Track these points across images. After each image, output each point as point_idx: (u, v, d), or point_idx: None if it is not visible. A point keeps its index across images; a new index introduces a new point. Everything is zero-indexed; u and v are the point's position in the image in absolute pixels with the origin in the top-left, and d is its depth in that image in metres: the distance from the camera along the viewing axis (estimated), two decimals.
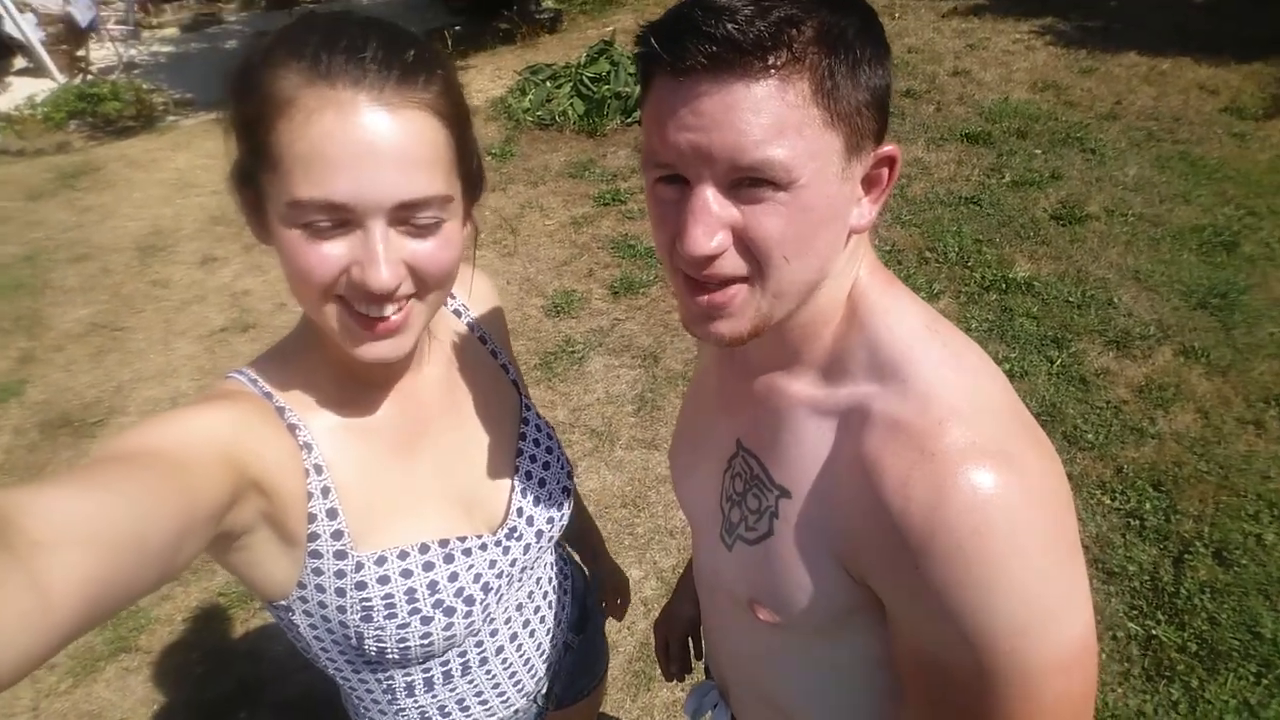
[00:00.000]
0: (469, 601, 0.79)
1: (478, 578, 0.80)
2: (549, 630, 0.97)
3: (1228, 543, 2.15)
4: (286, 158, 0.57)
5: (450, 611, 0.77)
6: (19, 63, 7.23)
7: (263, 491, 0.64)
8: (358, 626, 0.73)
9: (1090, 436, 2.52)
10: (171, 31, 8.51)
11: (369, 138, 0.57)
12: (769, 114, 0.50)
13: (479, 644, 0.86)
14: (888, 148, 0.58)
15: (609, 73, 5.32)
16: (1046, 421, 2.60)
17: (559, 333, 3.40)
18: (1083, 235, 3.53)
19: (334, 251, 0.60)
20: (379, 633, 0.74)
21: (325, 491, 0.70)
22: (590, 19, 7.56)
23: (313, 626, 0.75)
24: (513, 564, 0.85)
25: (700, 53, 0.49)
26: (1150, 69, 5.03)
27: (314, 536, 0.70)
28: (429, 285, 0.65)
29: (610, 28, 6.62)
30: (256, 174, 0.61)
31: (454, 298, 0.91)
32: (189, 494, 0.54)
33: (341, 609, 0.73)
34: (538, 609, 0.94)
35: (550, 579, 0.97)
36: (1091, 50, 5.40)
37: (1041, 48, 5.59)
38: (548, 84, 5.49)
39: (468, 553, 0.80)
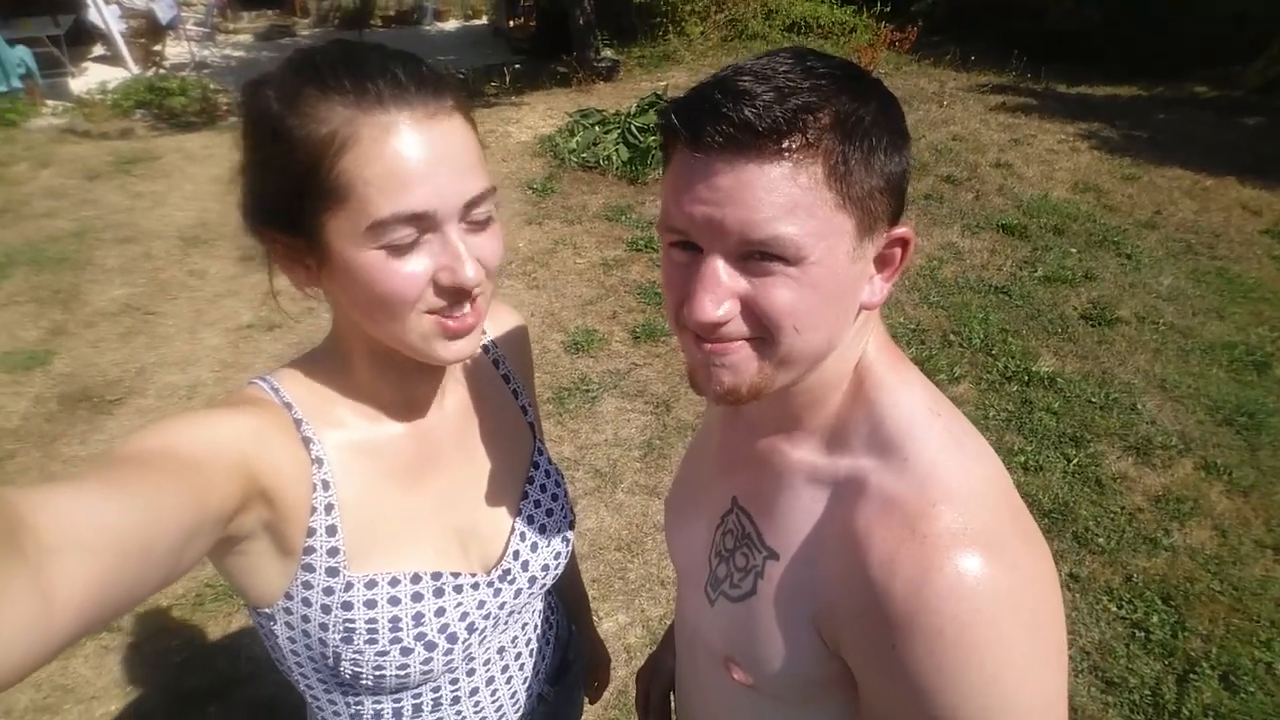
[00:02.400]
0: (451, 639, 0.77)
1: (464, 616, 0.79)
2: (525, 679, 0.94)
3: (1236, 667, 2.07)
4: (359, 185, 0.59)
5: (431, 646, 0.76)
6: (97, 50, 7.55)
7: (269, 501, 0.64)
8: (336, 647, 0.72)
9: (1101, 540, 2.46)
10: (245, 37, 8.87)
11: (431, 148, 0.60)
12: (781, 194, 0.51)
13: (454, 681, 0.84)
14: (901, 229, 0.59)
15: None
16: (1058, 520, 2.55)
17: (575, 370, 3.42)
18: (1111, 338, 3.51)
19: (417, 265, 0.62)
20: (357, 656, 0.73)
21: (329, 508, 0.70)
22: (645, 72, 7.78)
23: (291, 639, 0.74)
24: (501, 606, 0.84)
25: (718, 133, 0.51)
26: (1193, 183, 5.07)
27: (310, 550, 0.70)
28: (490, 275, 0.68)
29: (664, 83, 6.80)
30: (310, 215, 0.62)
31: (484, 333, 0.91)
32: (200, 499, 0.54)
33: (324, 626, 0.72)
34: (518, 655, 0.92)
35: (535, 625, 0.95)
36: (1136, 158, 5.46)
37: (1086, 150, 5.66)
38: (596, 128, 5.63)
39: (458, 589, 0.79)
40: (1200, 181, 5.08)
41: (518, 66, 7.82)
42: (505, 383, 0.92)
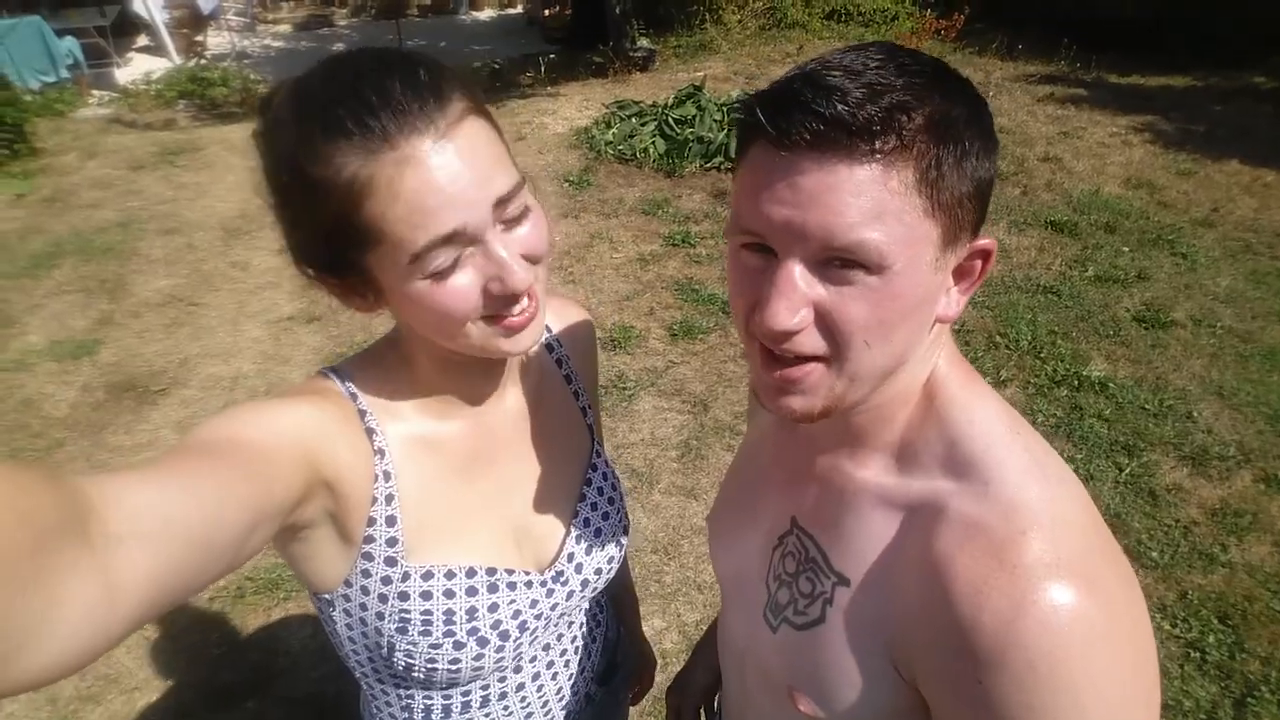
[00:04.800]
0: (504, 636, 0.78)
1: (516, 614, 0.79)
2: (571, 676, 0.95)
3: None
4: (388, 226, 0.59)
5: (484, 642, 0.76)
6: (142, 40, 7.68)
7: (332, 490, 0.65)
8: (391, 637, 0.74)
9: (1155, 555, 2.38)
10: (284, 28, 8.96)
11: (450, 167, 0.59)
12: (869, 198, 0.48)
13: (502, 678, 0.85)
14: (984, 241, 0.56)
15: (695, 116, 5.40)
16: None
17: (612, 367, 3.40)
18: (1165, 341, 3.39)
19: (465, 281, 0.62)
20: (410, 648, 0.74)
21: (389, 498, 0.71)
22: (682, 62, 7.70)
23: (349, 626, 0.76)
24: (553, 607, 0.84)
25: (806, 129, 0.48)
26: (1253, 179, 4.88)
27: (370, 539, 0.71)
28: (539, 263, 0.68)
29: (701, 73, 6.72)
30: (354, 257, 0.63)
31: (548, 330, 0.91)
32: (265, 490, 0.55)
33: (380, 615, 0.73)
34: (564, 653, 0.92)
35: (583, 624, 0.96)
36: (1192, 153, 5.26)
37: (1139, 144, 5.48)
38: (633, 120, 5.59)
39: (512, 586, 0.79)
40: (1260, 177, 4.88)
41: (552, 57, 7.79)
42: (567, 383, 0.91)
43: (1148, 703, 0.50)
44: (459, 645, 0.75)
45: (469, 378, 0.77)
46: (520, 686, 0.87)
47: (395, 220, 0.59)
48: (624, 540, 0.92)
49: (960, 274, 0.56)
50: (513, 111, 6.50)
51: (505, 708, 0.87)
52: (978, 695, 0.50)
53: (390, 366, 0.76)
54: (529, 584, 0.81)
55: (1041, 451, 0.57)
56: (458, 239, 0.60)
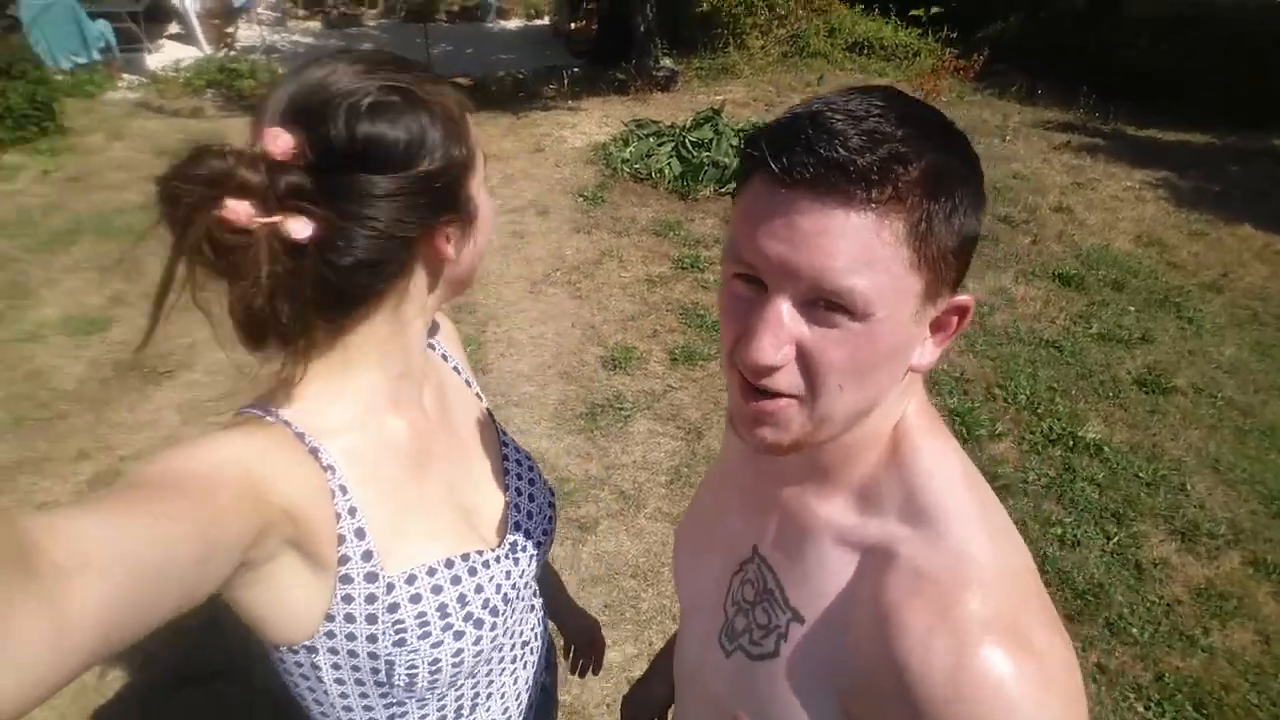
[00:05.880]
0: (494, 613, 0.80)
1: (499, 589, 0.82)
2: (535, 666, 0.98)
3: None
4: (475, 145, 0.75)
5: (479, 624, 0.78)
6: (173, 28, 7.76)
7: (292, 518, 0.64)
8: (389, 654, 0.73)
9: (1135, 631, 2.37)
10: (314, 24, 9.03)
11: None
12: (861, 245, 0.49)
13: (488, 674, 0.87)
14: (963, 297, 0.57)
15: (712, 140, 5.42)
16: (1091, 602, 2.46)
17: (611, 387, 3.41)
18: (1165, 408, 3.38)
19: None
20: (412, 656, 0.74)
21: (352, 511, 0.71)
22: (704, 84, 7.74)
23: (336, 666, 0.74)
24: (521, 575, 0.88)
25: (808, 169, 0.49)
26: (1265, 245, 4.87)
27: (344, 560, 0.70)
28: None
29: (721, 97, 6.75)
30: (465, 186, 0.73)
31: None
32: (213, 521, 0.54)
33: (373, 637, 0.72)
34: (527, 643, 0.95)
35: (535, 609, 0.99)
36: (1205, 213, 5.26)
37: (1152, 200, 5.48)
38: (651, 139, 5.62)
39: (486, 565, 0.82)
40: (1272, 244, 4.88)
41: (576, 70, 7.83)
42: (458, 374, 0.97)
43: None
44: (459, 635, 0.76)
45: (397, 381, 0.77)
46: (502, 685, 0.90)
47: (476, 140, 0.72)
48: (553, 501, 0.98)
49: (936, 326, 0.58)
50: (533, 123, 6.54)
51: (488, 710, 0.89)
52: None
53: (311, 385, 0.72)
54: (498, 559, 0.84)
55: (992, 506, 0.59)
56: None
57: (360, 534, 0.71)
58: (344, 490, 0.70)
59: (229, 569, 0.56)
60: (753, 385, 0.56)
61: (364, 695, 0.77)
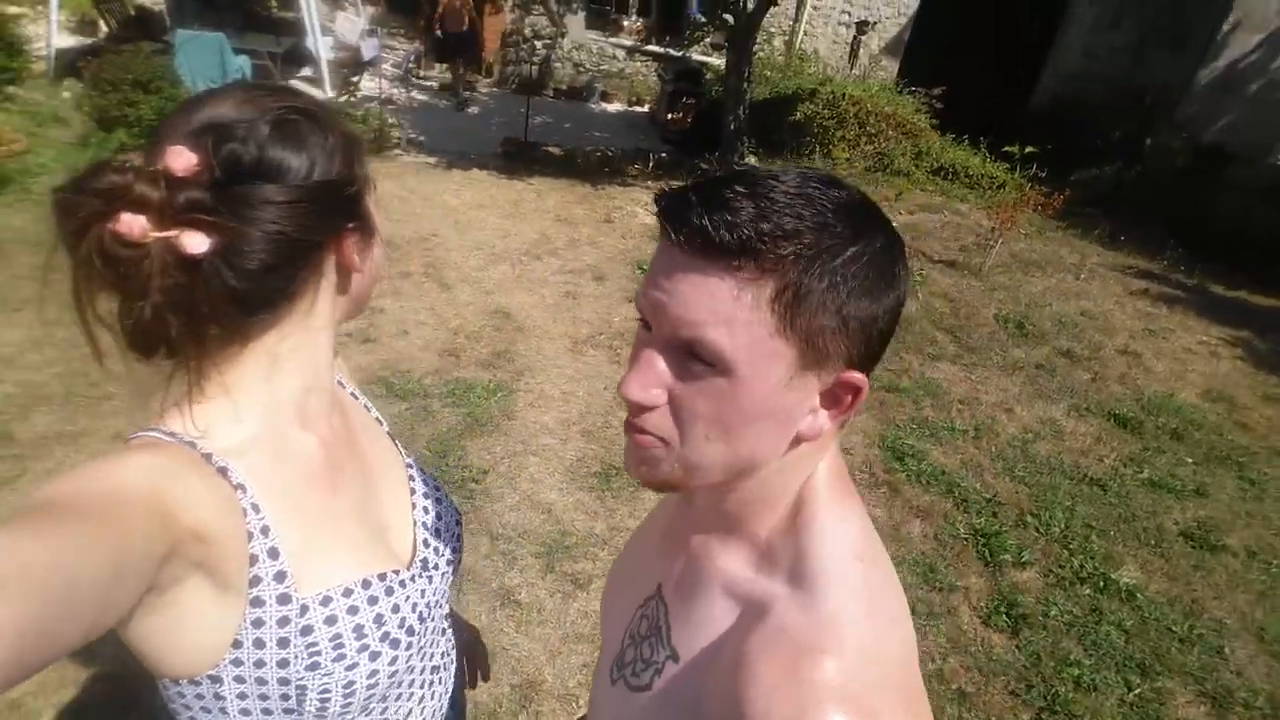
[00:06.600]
0: (410, 633, 0.79)
1: (414, 607, 0.81)
2: (448, 686, 0.96)
3: None
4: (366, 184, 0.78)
5: (395, 644, 0.77)
6: (305, 72, 8.51)
7: (200, 538, 0.61)
8: (301, 679, 0.71)
9: None
10: (431, 85, 9.75)
11: None
12: (720, 303, 0.53)
13: (399, 697, 0.85)
14: (854, 375, 0.57)
15: None
16: None
17: None
18: (1211, 565, 3.15)
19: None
20: (326, 680, 0.72)
21: (265, 530, 0.69)
22: None
23: (243, 695, 0.71)
24: (435, 594, 0.88)
25: (680, 233, 0.53)
26: None
27: (256, 581, 0.68)
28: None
29: None
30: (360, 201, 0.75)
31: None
32: (121, 538, 0.53)
33: (283, 662, 0.70)
34: (437, 668, 0.93)
35: (445, 632, 0.97)
36: None
37: (1228, 358, 5.26)
38: None
39: (403, 584, 0.81)
40: None
41: (664, 155, 8.18)
42: (355, 398, 0.98)
43: None
44: (374, 656, 0.75)
45: (305, 395, 0.76)
46: (409, 712, 0.87)
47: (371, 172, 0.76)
48: (460, 519, 0.99)
49: (830, 400, 0.58)
50: (609, 196, 6.81)
51: None
52: None
53: (210, 412, 0.71)
54: (413, 578, 0.83)
55: (882, 584, 0.59)
56: None
57: (273, 553, 0.69)
58: (256, 509, 0.68)
59: (139, 591, 0.55)
60: (631, 420, 0.60)
61: None
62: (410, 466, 0.97)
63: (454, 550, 0.94)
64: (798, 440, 0.59)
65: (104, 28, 8.34)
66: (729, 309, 0.52)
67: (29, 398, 3.20)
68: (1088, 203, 7.94)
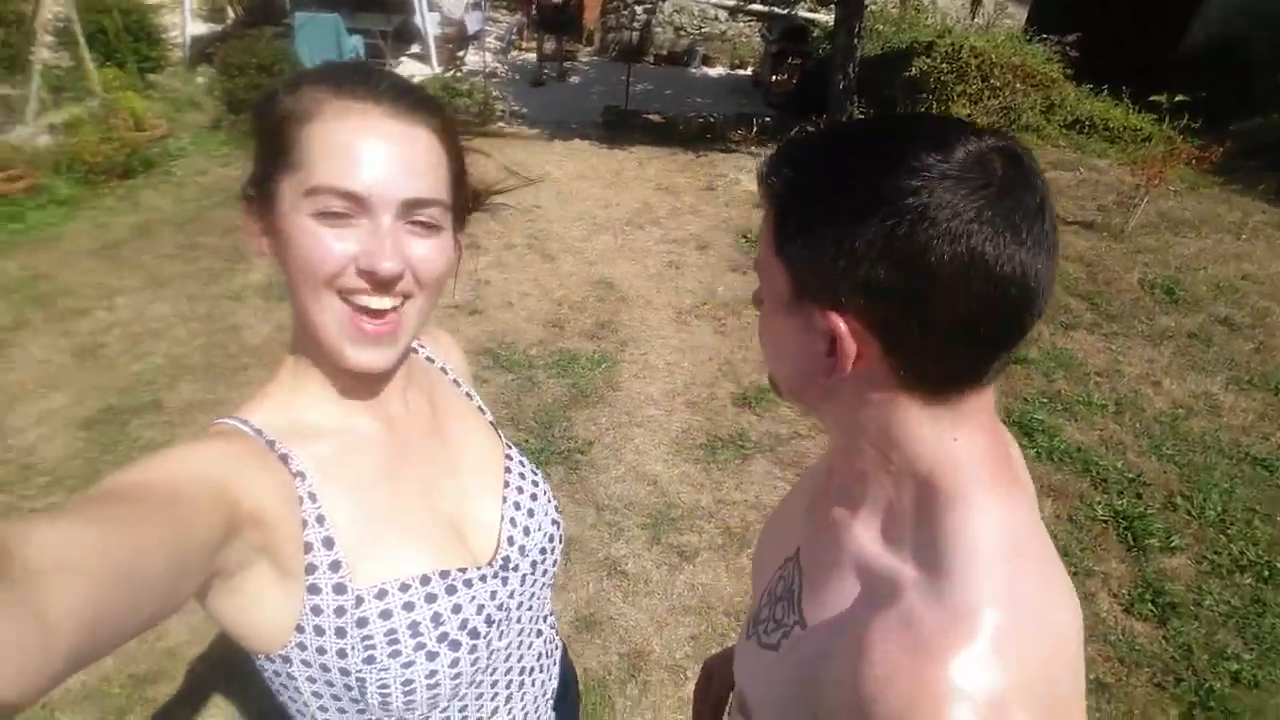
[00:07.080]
0: (474, 634, 0.76)
1: (480, 609, 0.78)
2: (536, 699, 0.93)
3: None
4: (311, 153, 0.64)
5: (455, 645, 0.74)
6: (414, 49, 8.75)
7: (259, 523, 0.64)
8: (360, 671, 0.70)
9: None
10: (532, 56, 9.83)
11: (386, 141, 0.66)
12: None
13: (478, 696, 0.82)
14: (831, 316, 0.54)
15: None
16: None
17: (736, 424, 3.32)
18: None
19: (343, 242, 0.65)
20: (383, 675, 0.71)
21: (320, 519, 0.70)
22: None
23: (312, 679, 0.72)
24: (511, 596, 0.84)
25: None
26: None
27: (311, 569, 0.69)
28: (423, 285, 0.70)
29: None
30: (272, 179, 0.67)
31: (422, 347, 0.94)
32: (185, 525, 0.54)
33: (342, 652, 0.70)
34: (529, 669, 0.90)
35: (542, 635, 0.94)
36: None
37: None
38: None
39: (469, 583, 0.78)
40: None
41: (768, 120, 7.91)
42: (457, 386, 0.95)
43: None
44: (432, 655, 0.73)
45: (367, 381, 0.76)
46: (495, 712, 0.85)
47: (317, 152, 0.64)
48: (559, 519, 0.94)
49: (833, 346, 0.57)
50: (711, 163, 6.66)
51: None
52: None
53: (288, 394, 0.75)
54: (483, 578, 0.80)
55: (1035, 587, 0.54)
56: (356, 202, 0.65)
57: (328, 543, 0.70)
58: (312, 498, 0.70)
59: (203, 574, 0.58)
60: None
61: (342, 711, 0.75)
62: (510, 460, 0.93)
63: (544, 552, 0.89)
64: (836, 385, 0.57)
65: (231, 14, 8.85)
66: (764, 236, 0.60)
67: (176, 369, 3.45)
68: (1250, 155, 7.08)
